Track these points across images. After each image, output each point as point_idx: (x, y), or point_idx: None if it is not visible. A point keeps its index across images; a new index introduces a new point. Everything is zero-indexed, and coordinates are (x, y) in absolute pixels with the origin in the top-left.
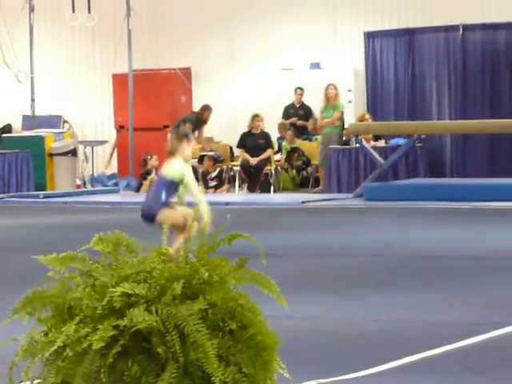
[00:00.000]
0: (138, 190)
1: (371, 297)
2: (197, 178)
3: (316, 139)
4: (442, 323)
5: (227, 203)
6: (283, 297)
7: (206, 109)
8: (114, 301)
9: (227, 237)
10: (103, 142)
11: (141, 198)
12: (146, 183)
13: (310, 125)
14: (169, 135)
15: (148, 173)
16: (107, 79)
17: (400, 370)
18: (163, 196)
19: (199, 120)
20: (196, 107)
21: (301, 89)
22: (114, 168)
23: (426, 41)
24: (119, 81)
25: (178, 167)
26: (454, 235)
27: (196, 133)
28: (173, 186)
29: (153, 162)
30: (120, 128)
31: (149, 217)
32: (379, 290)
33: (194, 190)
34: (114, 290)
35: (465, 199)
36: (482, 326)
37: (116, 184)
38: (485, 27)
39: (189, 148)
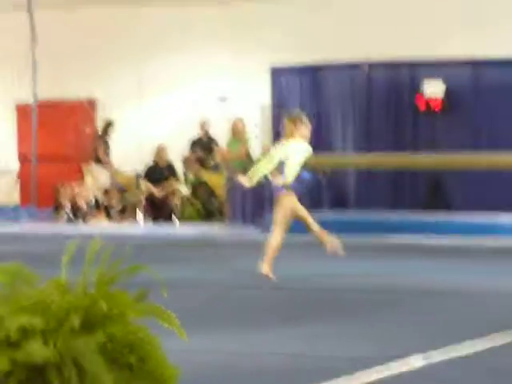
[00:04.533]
0: (52, 221)
1: (273, 330)
2: (100, 209)
3: (221, 172)
4: (335, 357)
5: (131, 235)
6: (183, 330)
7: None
8: (11, 333)
9: (127, 269)
10: (6, 173)
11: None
12: (60, 216)
13: (216, 157)
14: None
15: (60, 205)
16: (11, 109)
17: None
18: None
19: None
20: None
21: (206, 122)
22: (16, 199)
23: (331, 77)
24: (23, 111)
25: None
26: (353, 268)
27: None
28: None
29: (68, 191)
30: (23, 159)
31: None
32: (281, 323)
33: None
34: (10, 321)
35: (366, 232)
36: (376, 359)
37: (18, 215)
38: (389, 64)
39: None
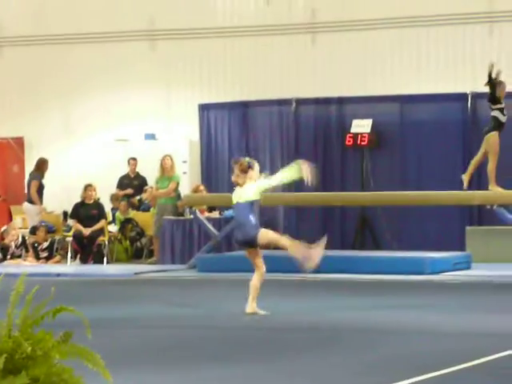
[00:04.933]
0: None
1: (201, 370)
2: (27, 249)
3: (150, 210)
4: None
5: (58, 274)
6: (108, 371)
7: (44, 162)
8: None
9: (52, 310)
10: None
11: None
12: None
13: (144, 195)
14: (234, 170)
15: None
16: None
17: None
18: (253, 219)
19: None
20: (28, 177)
21: (134, 159)
22: None
23: (259, 114)
24: None
25: (252, 189)
26: (285, 307)
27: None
28: (254, 206)
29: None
30: None
31: (250, 242)
32: (209, 363)
33: (273, 181)
34: None
35: (295, 270)
36: None
37: None
38: (317, 101)
39: (256, 173)
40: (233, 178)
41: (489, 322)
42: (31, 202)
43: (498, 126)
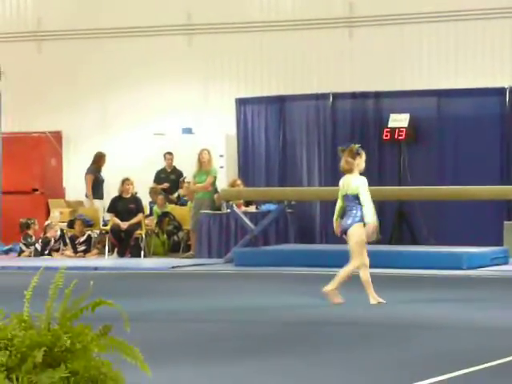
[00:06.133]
0: (19, 254)
1: (240, 364)
2: (66, 242)
3: (187, 204)
4: None
5: (96, 268)
6: (147, 364)
7: (101, 156)
8: None
9: (91, 304)
10: None
11: (8, 262)
12: (28, 249)
13: (182, 189)
14: (342, 156)
15: (29, 239)
16: None
17: None
18: (356, 211)
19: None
20: (66, 171)
21: (170, 153)
22: None
23: (296, 108)
24: None
25: (357, 183)
26: (319, 302)
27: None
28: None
29: (35, 227)
30: None
31: (345, 232)
32: (249, 357)
33: (365, 200)
34: None
35: (334, 265)
36: None
37: None
38: (354, 96)
39: (362, 161)
40: (341, 165)
41: None
42: (87, 196)
43: None
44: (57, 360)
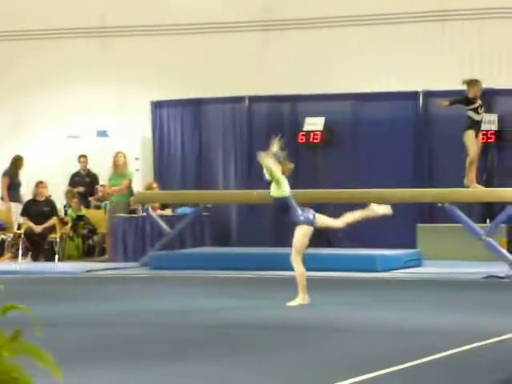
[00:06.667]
0: None
1: (154, 368)
2: None
3: (101, 207)
4: None
5: (9, 272)
6: (58, 369)
7: (18, 159)
8: None
9: (1, 308)
10: None
11: None
12: None
13: (97, 193)
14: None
15: None
16: None
17: None
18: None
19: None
20: None
21: (84, 156)
22: None
23: (212, 111)
24: None
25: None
26: (236, 304)
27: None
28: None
29: None
30: None
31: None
32: (163, 360)
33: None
34: None
35: (250, 268)
36: None
37: None
38: (270, 99)
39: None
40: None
41: (439, 319)
42: (2, 198)
43: (472, 124)
44: None
